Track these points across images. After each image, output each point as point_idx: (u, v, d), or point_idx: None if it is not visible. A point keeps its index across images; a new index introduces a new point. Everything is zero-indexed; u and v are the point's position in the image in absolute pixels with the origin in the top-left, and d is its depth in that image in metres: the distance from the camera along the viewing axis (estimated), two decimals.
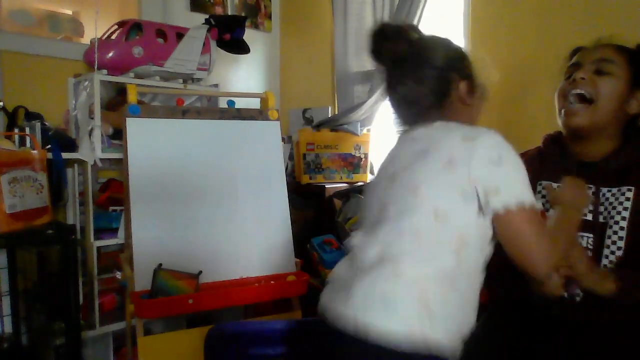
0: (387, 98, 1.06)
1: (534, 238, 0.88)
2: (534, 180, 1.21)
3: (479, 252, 0.92)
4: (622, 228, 1.09)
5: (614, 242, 1.10)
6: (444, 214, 0.88)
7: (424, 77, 1.00)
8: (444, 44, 1.04)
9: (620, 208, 1.10)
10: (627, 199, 1.10)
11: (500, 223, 0.89)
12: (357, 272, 0.91)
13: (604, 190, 1.14)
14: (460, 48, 1.06)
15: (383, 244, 0.91)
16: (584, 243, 1.15)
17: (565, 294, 1.09)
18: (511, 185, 0.89)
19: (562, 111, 1.18)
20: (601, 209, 1.13)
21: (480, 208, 0.89)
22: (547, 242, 0.89)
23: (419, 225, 0.89)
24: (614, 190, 1.13)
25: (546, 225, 0.95)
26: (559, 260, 0.93)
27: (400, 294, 0.85)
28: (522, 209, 0.87)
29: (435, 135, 0.97)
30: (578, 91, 1.13)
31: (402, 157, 1.00)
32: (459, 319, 0.89)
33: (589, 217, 1.14)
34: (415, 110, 1.03)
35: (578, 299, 1.10)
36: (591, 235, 1.14)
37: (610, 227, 1.11)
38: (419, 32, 1.04)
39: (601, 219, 1.13)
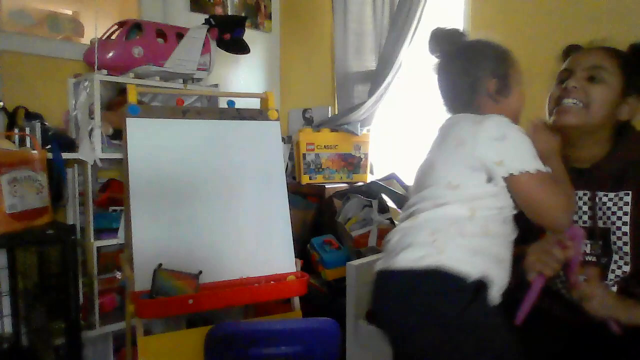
0: (437, 85, 1.24)
1: (545, 196, 1.02)
2: None
3: (494, 210, 1.05)
4: (625, 233, 1.10)
5: (620, 248, 1.10)
6: (456, 184, 1.05)
7: (461, 72, 1.16)
8: (482, 46, 1.18)
9: (620, 213, 1.11)
10: (626, 204, 1.10)
11: (512, 189, 1.04)
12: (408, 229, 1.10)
13: (600, 194, 1.14)
14: (499, 49, 1.17)
15: (411, 210, 1.11)
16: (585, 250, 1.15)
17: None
18: (514, 156, 1.02)
19: (554, 111, 1.18)
20: (599, 213, 1.14)
21: (489, 178, 1.04)
22: (558, 197, 1.03)
23: (437, 193, 1.07)
24: (611, 195, 1.13)
25: (556, 183, 1.05)
26: (574, 209, 1.09)
27: (415, 231, 1.05)
28: (528, 175, 1.01)
29: (455, 123, 1.14)
30: (571, 101, 1.14)
31: (432, 145, 1.19)
32: (473, 259, 1.02)
33: (588, 223, 1.15)
34: (453, 98, 1.20)
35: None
36: (591, 242, 1.14)
37: (614, 232, 1.11)
38: (464, 36, 1.21)
39: (601, 224, 1.13)
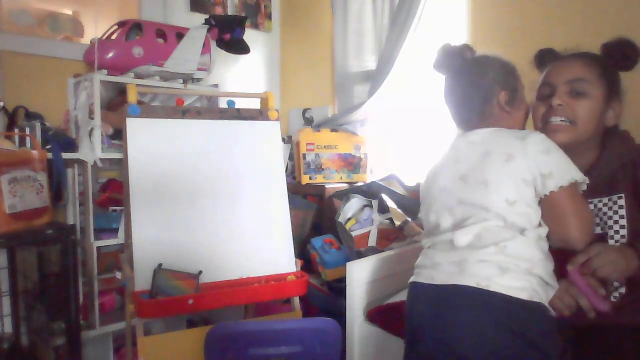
0: (446, 101, 1.28)
1: (579, 208, 1.06)
2: None
3: (544, 231, 1.08)
4: (623, 237, 1.10)
5: None
6: (513, 200, 1.07)
7: (473, 86, 1.21)
8: (491, 61, 1.23)
9: (616, 217, 1.11)
10: (621, 207, 1.11)
11: (552, 201, 1.06)
12: (460, 251, 1.10)
13: (595, 201, 1.14)
14: (507, 64, 1.23)
15: (475, 230, 1.08)
16: None
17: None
18: (562, 167, 1.06)
19: (543, 130, 1.19)
20: (596, 220, 1.13)
21: (536, 193, 1.07)
22: (587, 216, 1.07)
23: (498, 211, 1.08)
24: (605, 199, 1.13)
25: (586, 202, 1.10)
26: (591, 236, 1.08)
27: (510, 263, 1.04)
28: (575, 184, 1.06)
29: (492, 138, 1.15)
30: (558, 119, 1.16)
31: (468, 160, 1.17)
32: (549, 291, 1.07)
33: None
34: (466, 111, 1.23)
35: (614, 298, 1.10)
36: None
37: (612, 237, 1.11)
38: (472, 51, 1.25)
39: (598, 230, 1.13)
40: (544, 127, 1.19)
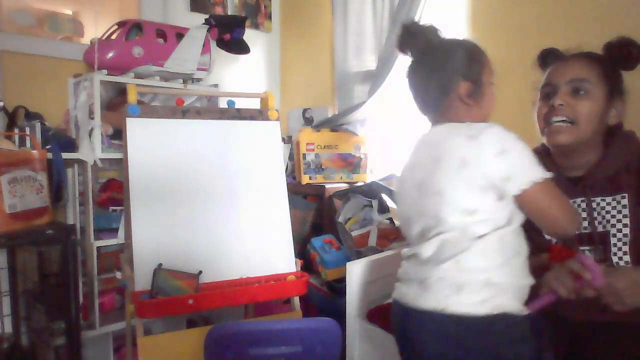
0: (409, 88, 1.17)
1: (553, 203, 1.00)
2: None
3: (512, 228, 1.02)
4: (625, 235, 1.10)
5: (620, 249, 1.11)
6: (473, 209, 1.00)
7: (432, 72, 1.11)
8: (456, 46, 1.11)
9: (620, 216, 1.11)
10: (624, 207, 1.11)
11: (522, 202, 1.00)
12: (423, 267, 1.05)
13: (598, 199, 1.14)
14: (474, 51, 1.11)
15: (436, 243, 1.03)
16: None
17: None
18: (520, 169, 0.98)
19: (546, 130, 1.19)
20: (599, 218, 1.14)
21: (499, 196, 0.99)
22: (564, 205, 1.02)
23: (456, 222, 1.01)
24: (608, 199, 1.13)
25: (560, 192, 1.03)
26: (578, 213, 1.08)
27: (465, 279, 0.99)
28: (536, 185, 0.98)
29: (444, 140, 1.07)
30: (559, 118, 1.15)
31: (424, 165, 1.09)
32: (522, 292, 1.03)
33: (588, 229, 1.15)
34: (424, 100, 1.14)
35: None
36: (591, 247, 1.14)
37: (614, 235, 1.11)
38: (438, 33, 1.13)
39: (600, 228, 1.13)
40: (546, 127, 1.19)
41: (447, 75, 1.09)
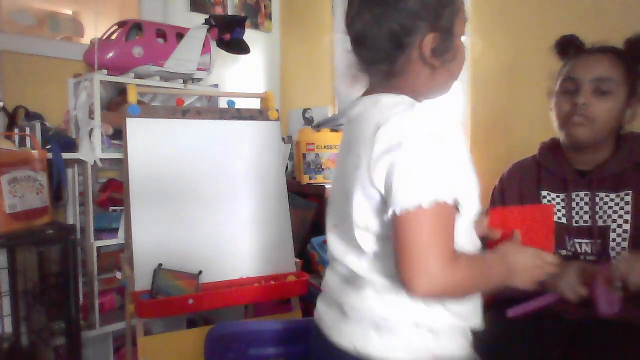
0: (347, 32, 0.83)
1: (424, 241, 0.68)
2: (535, 191, 1.23)
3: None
4: (625, 231, 1.11)
5: (618, 244, 1.11)
6: (363, 225, 0.77)
7: (383, 15, 0.76)
8: None
9: (622, 212, 1.12)
10: (627, 203, 1.12)
11: (393, 225, 0.71)
12: (344, 285, 0.84)
13: (602, 194, 1.15)
14: None
15: (346, 263, 0.82)
16: (583, 249, 1.15)
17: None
18: (407, 180, 0.70)
19: (565, 126, 1.18)
20: (600, 212, 1.14)
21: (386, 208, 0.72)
22: (440, 252, 0.69)
23: (361, 242, 0.78)
24: (612, 195, 1.14)
25: (451, 232, 0.72)
26: (449, 288, 0.71)
27: (385, 315, 0.77)
28: (419, 209, 0.68)
29: (358, 122, 0.79)
30: (581, 118, 1.13)
31: (341, 149, 0.86)
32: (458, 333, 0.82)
33: (589, 222, 1.15)
34: (366, 56, 0.81)
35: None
36: (590, 241, 1.15)
37: (614, 230, 1.12)
38: None
39: (601, 223, 1.14)
40: (565, 126, 1.18)
41: (406, 20, 0.75)
